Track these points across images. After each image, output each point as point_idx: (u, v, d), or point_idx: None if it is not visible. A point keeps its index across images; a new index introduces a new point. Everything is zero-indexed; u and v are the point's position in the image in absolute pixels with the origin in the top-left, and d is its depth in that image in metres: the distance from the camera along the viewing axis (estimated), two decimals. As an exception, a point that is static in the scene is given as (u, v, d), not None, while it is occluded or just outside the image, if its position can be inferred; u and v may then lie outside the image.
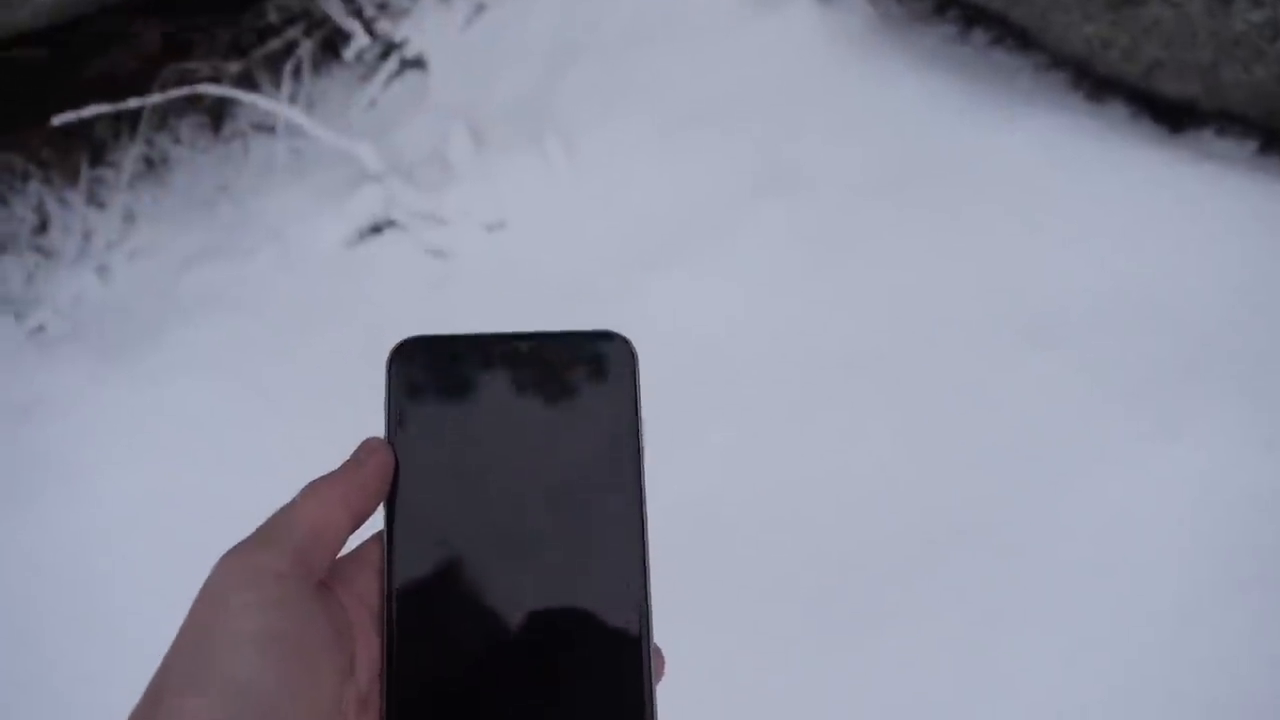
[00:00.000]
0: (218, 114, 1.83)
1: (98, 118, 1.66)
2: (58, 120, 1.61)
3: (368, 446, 0.38)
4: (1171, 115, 1.44)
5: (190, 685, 0.31)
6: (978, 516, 1.20)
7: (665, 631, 0.36)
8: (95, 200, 1.76)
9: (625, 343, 0.36)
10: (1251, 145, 1.40)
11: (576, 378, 0.35)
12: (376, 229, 1.51)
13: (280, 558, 0.34)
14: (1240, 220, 1.31)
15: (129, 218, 1.74)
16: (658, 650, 0.35)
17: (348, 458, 0.38)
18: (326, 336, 1.45)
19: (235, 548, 0.34)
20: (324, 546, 0.35)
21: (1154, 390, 1.22)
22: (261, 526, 0.35)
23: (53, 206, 1.77)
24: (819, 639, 1.16)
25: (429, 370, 0.36)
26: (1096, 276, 1.31)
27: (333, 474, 0.37)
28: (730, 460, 1.27)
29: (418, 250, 1.46)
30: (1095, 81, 1.47)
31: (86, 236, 1.73)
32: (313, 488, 0.36)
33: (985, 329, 1.30)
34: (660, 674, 0.35)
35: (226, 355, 1.52)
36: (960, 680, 1.13)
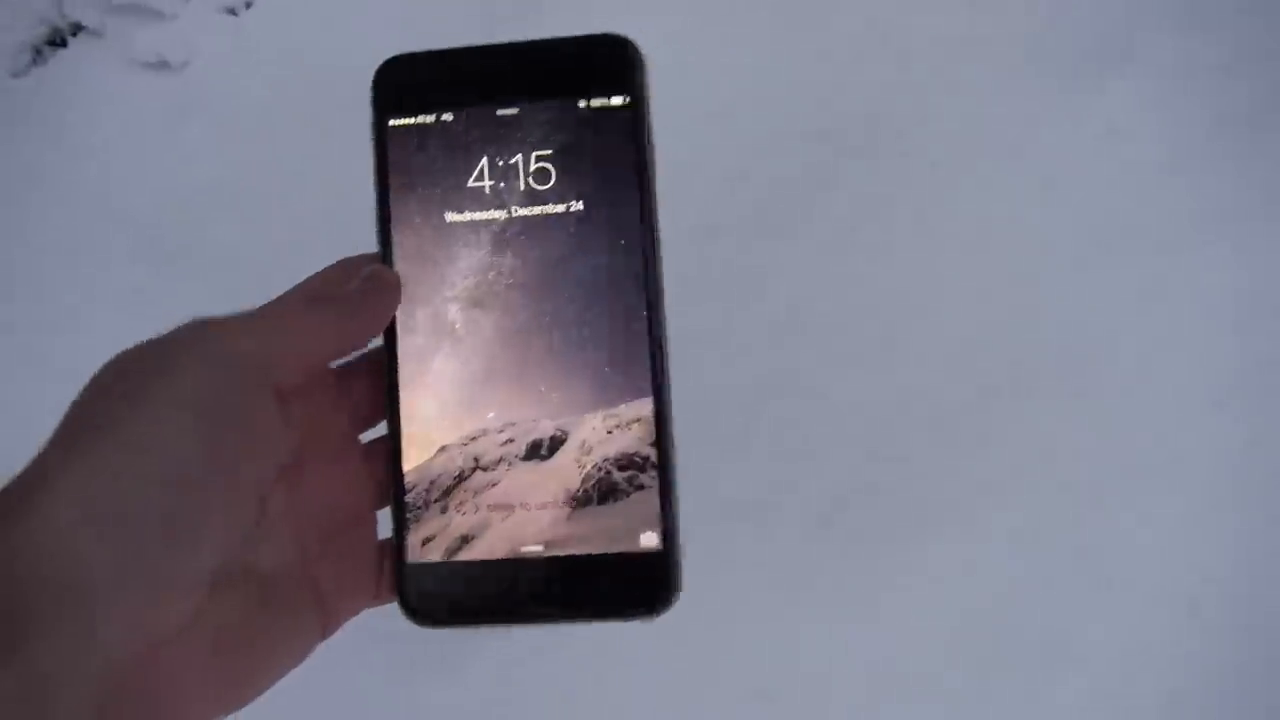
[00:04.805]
0: None
1: None
2: None
3: (374, 278, 0.34)
4: None
5: (92, 428, 0.27)
6: (1038, 361, 0.88)
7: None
8: None
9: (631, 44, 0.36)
10: None
11: (579, 85, 0.35)
12: (56, 42, 1.11)
13: (250, 342, 0.30)
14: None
15: None
16: None
17: (349, 287, 0.34)
18: (16, 205, 1.07)
19: (203, 319, 0.31)
20: (299, 356, 0.32)
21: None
22: (240, 313, 0.31)
23: None
24: (830, 562, 0.86)
25: (416, 91, 0.36)
26: None
27: (333, 302, 0.33)
28: (691, 295, 0.92)
29: (126, 64, 1.07)
30: None
31: None
32: (311, 304, 0.32)
33: (1023, 66, 0.95)
34: None
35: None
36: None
